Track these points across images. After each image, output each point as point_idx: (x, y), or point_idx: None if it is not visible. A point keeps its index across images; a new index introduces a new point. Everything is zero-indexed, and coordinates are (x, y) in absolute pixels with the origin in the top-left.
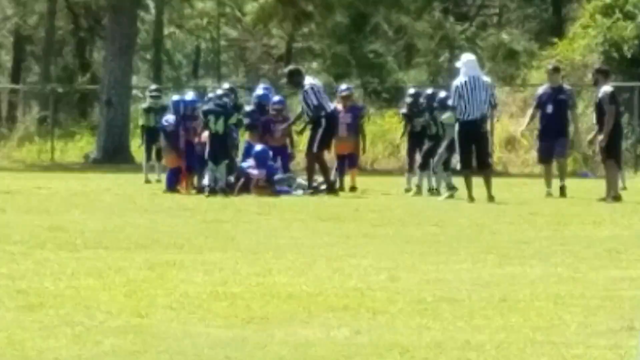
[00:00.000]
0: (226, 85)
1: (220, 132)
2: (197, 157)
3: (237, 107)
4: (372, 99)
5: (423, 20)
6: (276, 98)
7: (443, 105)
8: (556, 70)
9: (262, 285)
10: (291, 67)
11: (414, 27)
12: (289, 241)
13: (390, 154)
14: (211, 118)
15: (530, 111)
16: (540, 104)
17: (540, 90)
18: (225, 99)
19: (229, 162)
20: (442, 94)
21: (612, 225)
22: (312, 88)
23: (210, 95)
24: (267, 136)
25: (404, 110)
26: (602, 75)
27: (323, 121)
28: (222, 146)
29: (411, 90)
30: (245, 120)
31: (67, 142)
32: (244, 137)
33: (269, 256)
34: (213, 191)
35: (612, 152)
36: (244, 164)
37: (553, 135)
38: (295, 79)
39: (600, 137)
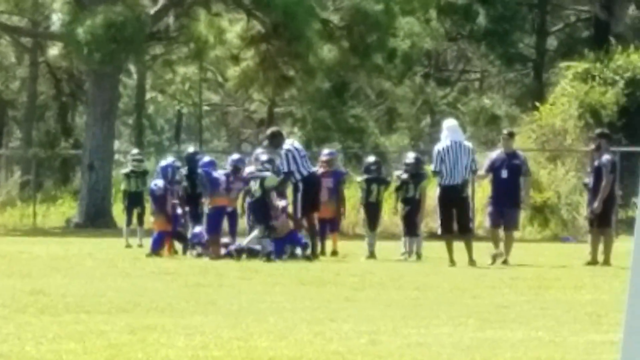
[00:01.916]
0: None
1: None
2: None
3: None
4: (354, 164)
5: (404, 85)
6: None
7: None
8: (511, 135)
9: (243, 349)
10: (273, 128)
11: (395, 92)
12: (270, 305)
13: None
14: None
15: (481, 172)
16: (494, 169)
17: (494, 155)
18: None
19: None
20: (371, 158)
21: (593, 290)
22: (287, 153)
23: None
24: None
25: (405, 176)
26: (605, 139)
27: (300, 185)
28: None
29: (412, 155)
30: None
31: (49, 206)
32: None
33: (250, 320)
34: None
35: (606, 219)
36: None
37: (505, 201)
38: (276, 140)
39: (596, 204)
